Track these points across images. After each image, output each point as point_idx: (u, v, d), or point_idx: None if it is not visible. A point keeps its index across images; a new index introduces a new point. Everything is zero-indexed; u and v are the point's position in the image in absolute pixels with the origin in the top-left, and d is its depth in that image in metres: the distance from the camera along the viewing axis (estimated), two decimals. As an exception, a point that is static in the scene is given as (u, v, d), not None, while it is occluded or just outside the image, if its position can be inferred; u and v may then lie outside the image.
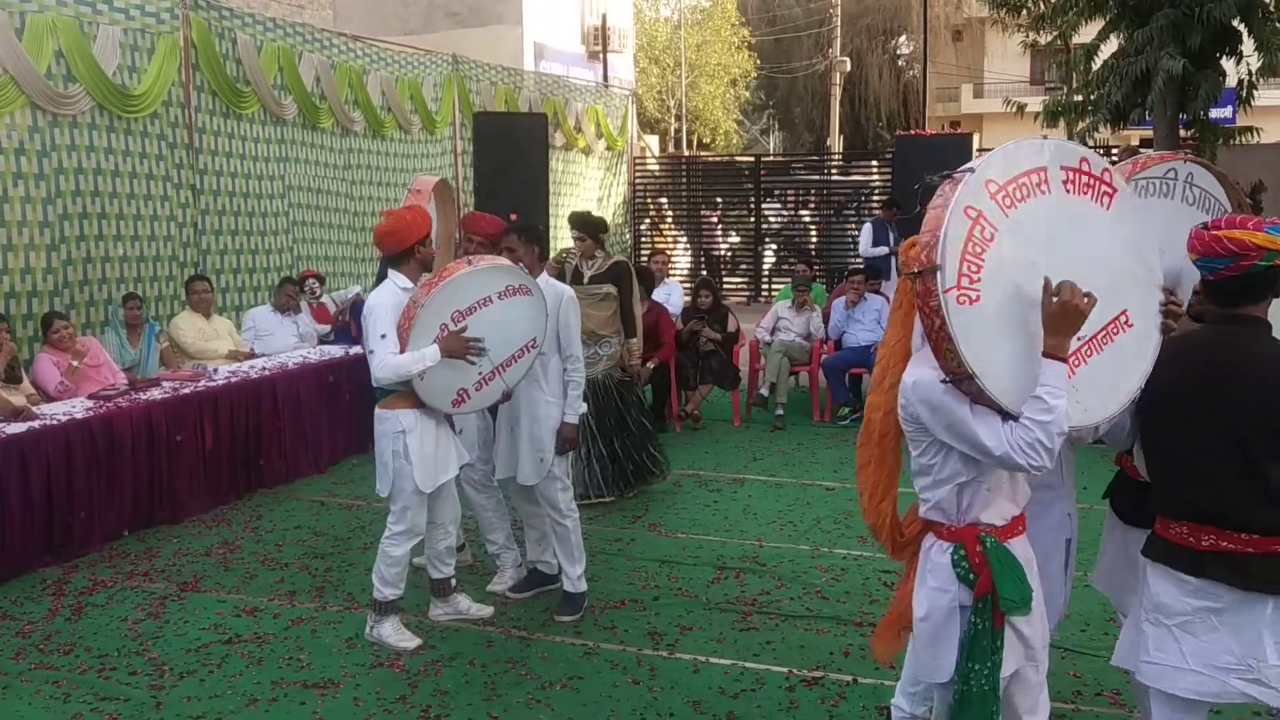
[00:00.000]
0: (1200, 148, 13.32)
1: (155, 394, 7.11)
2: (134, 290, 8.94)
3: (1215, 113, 13.77)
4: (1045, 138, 3.02)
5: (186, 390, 7.28)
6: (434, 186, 6.22)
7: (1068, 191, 2.89)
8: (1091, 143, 13.71)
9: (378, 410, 5.13)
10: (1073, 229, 2.88)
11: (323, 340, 9.59)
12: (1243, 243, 2.86)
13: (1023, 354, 2.80)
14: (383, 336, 4.88)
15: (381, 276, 8.20)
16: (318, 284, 10.30)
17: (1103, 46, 13.90)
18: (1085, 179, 2.93)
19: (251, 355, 8.81)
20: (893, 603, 3.23)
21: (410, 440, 5.01)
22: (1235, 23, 12.56)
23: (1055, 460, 3.35)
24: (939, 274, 2.70)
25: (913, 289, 2.83)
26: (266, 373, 8.04)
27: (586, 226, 7.39)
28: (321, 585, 5.94)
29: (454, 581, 5.48)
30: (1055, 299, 2.75)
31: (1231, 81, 13.24)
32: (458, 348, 4.94)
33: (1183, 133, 13.46)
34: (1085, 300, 2.75)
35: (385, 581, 5.11)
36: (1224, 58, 12.93)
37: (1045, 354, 2.77)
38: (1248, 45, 12.87)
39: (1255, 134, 14.18)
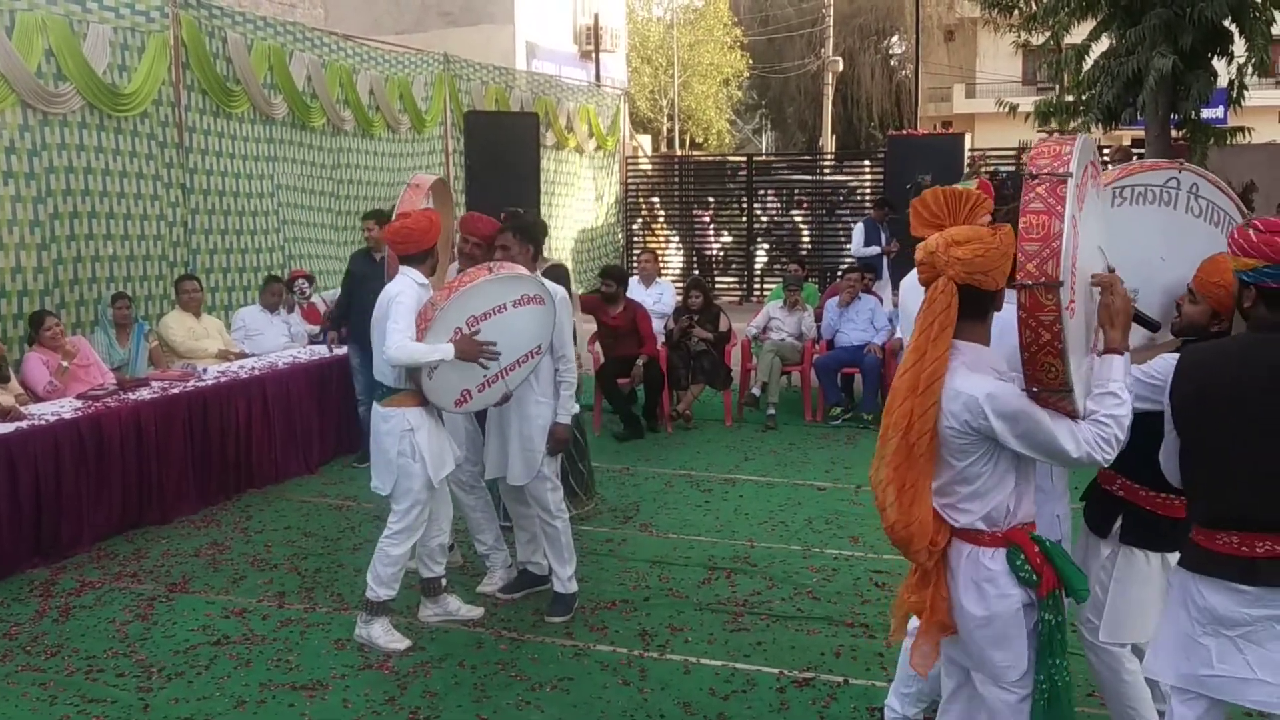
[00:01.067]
0: (1192, 148, 13.35)
1: (144, 394, 7.08)
2: (123, 289, 8.89)
3: (1206, 113, 13.81)
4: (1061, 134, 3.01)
5: (176, 390, 7.25)
6: (432, 185, 6.21)
7: (1093, 188, 2.95)
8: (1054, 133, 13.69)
9: (380, 409, 5.13)
10: (1095, 227, 2.93)
11: (313, 340, 9.55)
12: None
13: (1084, 356, 2.84)
14: (403, 323, 4.90)
15: (353, 273, 8.28)
16: (307, 284, 10.26)
17: (1094, 46, 13.92)
18: (1093, 170, 2.97)
19: (241, 355, 8.77)
20: (923, 611, 3.08)
21: (419, 438, 5.03)
22: (1226, 22, 12.59)
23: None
24: (1060, 290, 2.64)
25: (1018, 300, 2.71)
26: (256, 372, 8.01)
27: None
28: (311, 586, 5.91)
29: (444, 581, 5.46)
30: (1112, 296, 2.81)
31: (1222, 82, 13.26)
32: (472, 351, 4.97)
33: (1174, 133, 13.48)
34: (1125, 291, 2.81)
35: (381, 581, 5.10)
36: (1215, 57, 12.96)
37: (1109, 350, 2.83)
38: (1239, 45, 12.89)
39: (1246, 134, 14.21)
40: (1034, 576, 2.92)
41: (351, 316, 8.10)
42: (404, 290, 5.01)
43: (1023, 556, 2.93)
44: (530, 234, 5.53)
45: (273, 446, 7.93)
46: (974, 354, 2.95)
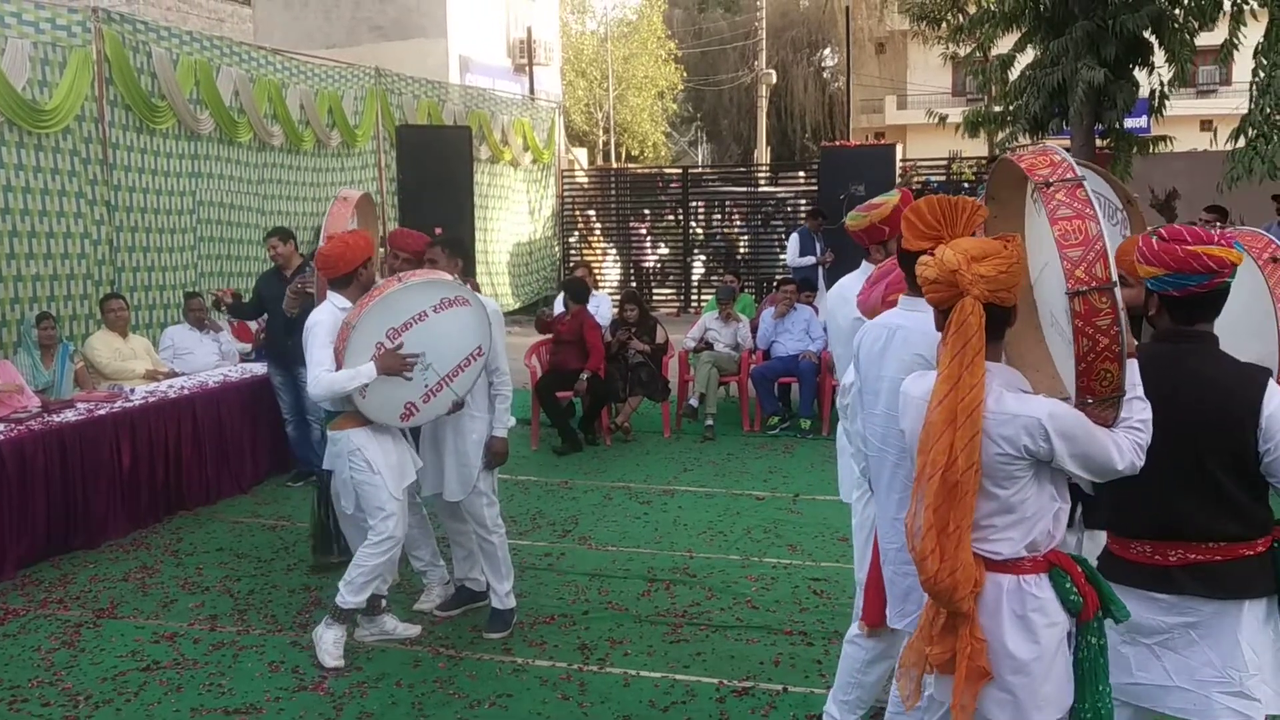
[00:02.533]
0: (1116, 157, 13.67)
1: (69, 416, 6.91)
2: (47, 310, 8.70)
3: (1130, 122, 14.16)
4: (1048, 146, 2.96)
5: (102, 412, 7.09)
6: (357, 201, 6.16)
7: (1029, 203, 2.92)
8: (1011, 152, 13.95)
9: (329, 433, 5.12)
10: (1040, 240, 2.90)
11: (244, 358, 9.41)
12: (1221, 260, 2.81)
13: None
14: (318, 355, 4.91)
15: (262, 295, 8.17)
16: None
17: (1019, 58, 14.20)
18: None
19: (170, 374, 8.61)
20: (959, 658, 2.76)
21: (370, 454, 5.00)
22: (1147, 34, 12.91)
23: None
24: (1116, 290, 2.52)
25: (1071, 309, 2.56)
26: (186, 392, 7.85)
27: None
28: (244, 609, 5.80)
29: (385, 601, 5.40)
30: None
31: (1145, 92, 13.59)
32: (394, 364, 4.94)
33: (1099, 142, 13.79)
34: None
35: (353, 589, 5.02)
36: (1137, 68, 13.28)
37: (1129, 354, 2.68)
38: (1159, 56, 13.23)
39: (1169, 143, 14.56)
40: (1079, 600, 2.75)
41: (267, 336, 8.01)
42: (319, 321, 5.02)
43: (1069, 579, 2.76)
44: (459, 248, 5.54)
45: (204, 467, 7.79)
46: (1005, 375, 2.79)
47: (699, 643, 5.24)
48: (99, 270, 9.53)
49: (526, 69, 25.99)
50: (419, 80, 15.51)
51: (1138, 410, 2.67)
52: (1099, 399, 2.61)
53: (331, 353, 4.93)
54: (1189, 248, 2.82)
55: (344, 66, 13.92)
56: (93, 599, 5.97)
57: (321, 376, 4.87)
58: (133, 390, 7.75)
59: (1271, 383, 2.86)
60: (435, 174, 12.31)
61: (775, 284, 12.19)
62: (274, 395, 8.21)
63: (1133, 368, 2.68)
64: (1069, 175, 2.63)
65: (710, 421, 9.79)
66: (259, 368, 8.65)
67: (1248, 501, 2.88)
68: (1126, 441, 2.67)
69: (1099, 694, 2.75)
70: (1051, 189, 2.63)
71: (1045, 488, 2.75)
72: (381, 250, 7.01)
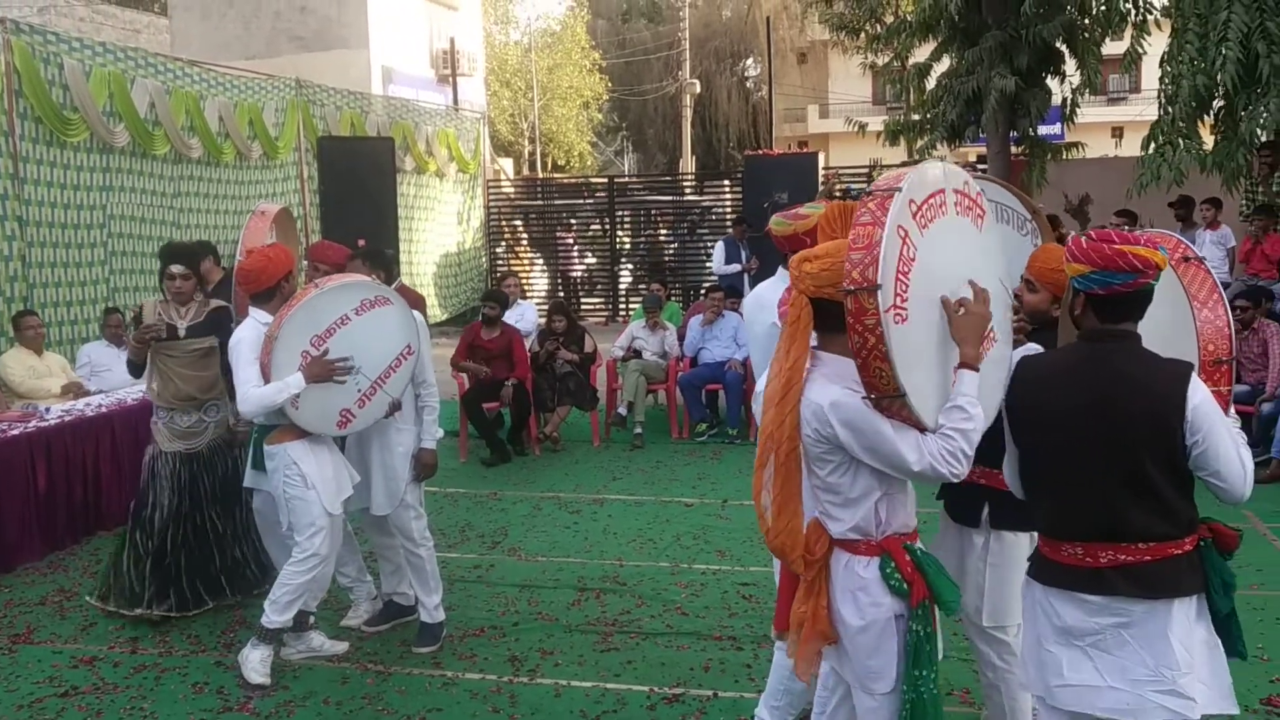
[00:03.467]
0: (1031, 163, 13.97)
1: (-19, 437, 6.73)
2: (-44, 328, 8.46)
3: (1044, 130, 14.48)
4: (944, 159, 3.07)
5: (15, 431, 6.91)
6: (275, 215, 6.10)
7: (958, 213, 2.97)
8: (929, 157, 14.20)
9: (265, 447, 5.05)
10: (962, 249, 2.96)
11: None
12: (1146, 260, 2.87)
13: (938, 370, 2.86)
14: (245, 373, 4.87)
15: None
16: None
17: (935, 67, 14.47)
18: (967, 201, 3.00)
19: (87, 392, 8.41)
20: (804, 620, 3.09)
21: (305, 469, 4.94)
22: (1059, 44, 13.23)
23: None
24: (879, 293, 2.69)
25: (845, 307, 2.78)
26: (104, 410, 7.68)
27: (183, 257, 5.84)
28: (166, 630, 5.68)
29: (312, 619, 5.33)
30: (961, 310, 2.82)
31: (1057, 100, 13.92)
32: (322, 371, 4.89)
33: (1014, 149, 14.08)
34: (987, 311, 2.85)
35: (277, 608, 4.97)
36: (1049, 77, 13.60)
37: (961, 365, 2.84)
38: (1070, 65, 13.57)
39: (1081, 149, 14.92)
40: (904, 586, 2.95)
41: None
42: (242, 338, 4.98)
43: (894, 565, 2.96)
44: (379, 260, 5.52)
45: (123, 486, 7.59)
46: (837, 366, 2.97)
47: (629, 651, 5.25)
48: (11, 287, 9.29)
49: (450, 80, 25.85)
50: (341, 91, 15.35)
51: (955, 419, 2.80)
52: (880, 395, 2.79)
53: (258, 368, 4.87)
54: (1116, 246, 2.89)
55: (264, 78, 13.74)
56: (8, 624, 5.81)
57: (250, 393, 4.83)
58: (48, 409, 7.55)
59: (1194, 376, 2.91)
60: (358, 185, 12.20)
61: (702, 292, 12.25)
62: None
63: (969, 380, 2.81)
64: (895, 187, 2.80)
65: (639, 429, 9.81)
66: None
67: (1176, 500, 2.91)
68: (935, 445, 2.81)
69: (920, 678, 2.94)
70: (869, 197, 2.84)
71: (863, 474, 2.94)
72: (304, 263, 6.92)
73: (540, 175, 33.96)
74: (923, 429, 2.84)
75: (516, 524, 7.46)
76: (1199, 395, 2.87)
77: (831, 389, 2.92)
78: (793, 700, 4.08)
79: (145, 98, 10.94)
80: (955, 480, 2.90)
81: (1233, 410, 3.19)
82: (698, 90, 36.99)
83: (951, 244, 2.93)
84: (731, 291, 10.98)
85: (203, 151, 12.02)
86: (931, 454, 2.82)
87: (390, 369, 5.11)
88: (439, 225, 17.54)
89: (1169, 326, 3.22)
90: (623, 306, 19.13)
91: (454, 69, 26.01)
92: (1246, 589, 5.76)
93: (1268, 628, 5.30)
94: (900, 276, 2.76)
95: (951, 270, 2.91)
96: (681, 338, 10.59)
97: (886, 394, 2.77)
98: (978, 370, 2.86)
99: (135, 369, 5.82)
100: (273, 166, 13.59)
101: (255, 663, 4.98)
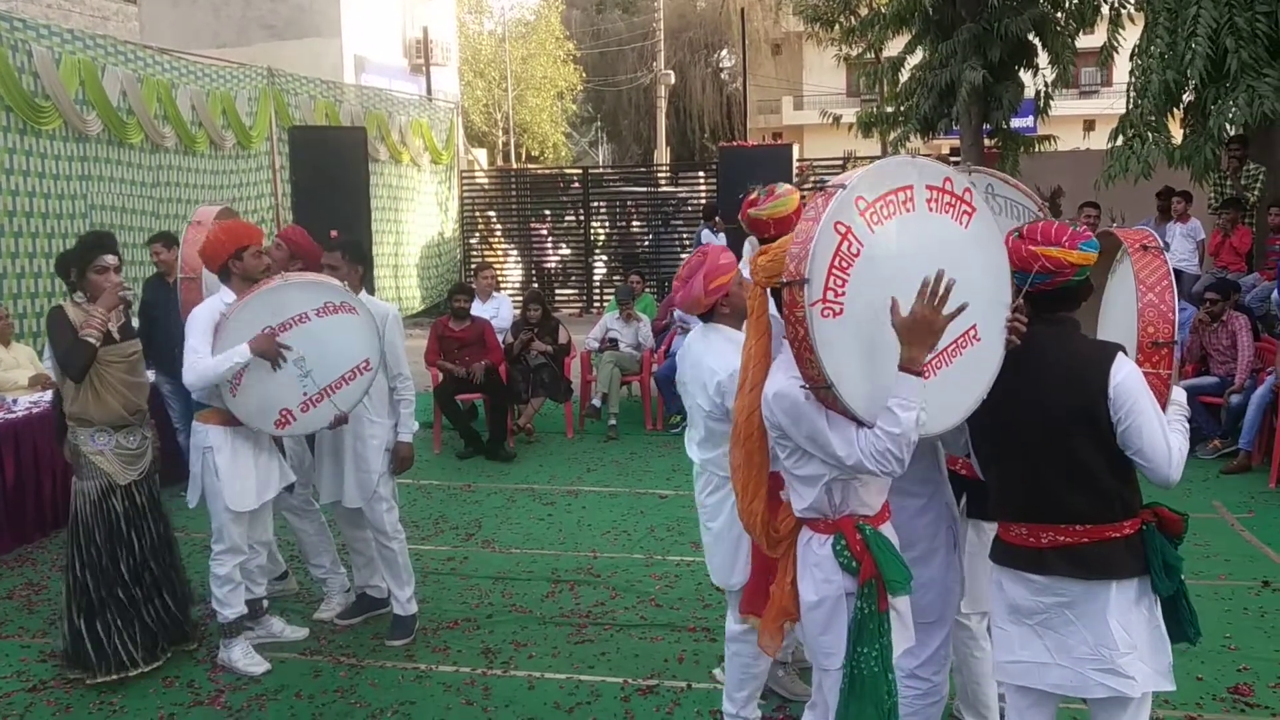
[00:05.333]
0: (1004, 155, 14.05)
1: (-53, 429, 6.66)
2: (-77, 319, 8.34)
3: (1017, 122, 14.57)
4: (915, 155, 3.07)
5: (-17, 424, 6.84)
6: (215, 216, 6.00)
7: (930, 209, 2.94)
8: (903, 152, 14.27)
9: (194, 422, 5.03)
10: (933, 246, 2.92)
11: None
12: (1059, 261, 2.98)
13: (879, 367, 2.85)
14: (195, 342, 4.78)
15: (147, 301, 7.86)
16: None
17: (909, 59, 14.52)
18: (947, 198, 2.97)
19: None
20: (771, 597, 3.28)
21: (219, 459, 4.90)
22: (1031, 37, 13.31)
23: (930, 457, 3.46)
24: (806, 287, 2.74)
25: (781, 298, 2.88)
26: (72, 402, 7.60)
27: (114, 245, 5.13)
28: (136, 623, 5.64)
29: (265, 604, 5.34)
30: (910, 315, 2.80)
31: (1031, 93, 14.00)
32: (268, 347, 4.79)
33: (987, 141, 14.16)
34: (938, 315, 2.80)
35: (220, 603, 4.99)
36: (1022, 70, 13.67)
37: (901, 367, 2.81)
38: (1043, 59, 13.65)
39: (1053, 142, 15.02)
40: (854, 564, 3.02)
41: (153, 345, 7.78)
42: (198, 313, 4.90)
43: (845, 543, 3.04)
44: (360, 254, 5.43)
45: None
46: (790, 355, 3.00)
47: (603, 643, 5.26)
48: (-22, 277, 9.19)
49: (423, 69, 25.71)
50: (314, 80, 15.25)
51: (885, 420, 2.81)
52: (813, 386, 2.86)
53: (209, 342, 4.79)
54: (1030, 248, 3.00)
55: (235, 66, 13.62)
56: (-25, 618, 5.76)
57: (196, 362, 4.75)
58: (15, 401, 7.48)
59: (1120, 355, 2.97)
60: (330, 175, 12.10)
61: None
62: (164, 404, 8.01)
63: (906, 383, 2.80)
64: (839, 182, 2.86)
65: (613, 421, 9.81)
66: (150, 373, 8.41)
67: (1113, 483, 2.97)
68: (867, 444, 2.84)
69: (860, 655, 3.00)
70: (819, 193, 2.91)
71: (812, 459, 3.02)
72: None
73: (514, 166, 33.87)
74: (861, 422, 2.86)
75: (490, 516, 7.45)
76: (1122, 374, 2.93)
77: (778, 378, 3.02)
78: (756, 687, 4.17)
79: (116, 86, 10.84)
80: (891, 477, 2.95)
81: (1179, 394, 3.21)
82: (672, 81, 36.94)
83: (917, 242, 2.90)
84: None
85: (176, 140, 11.92)
86: (862, 450, 2.85)
87: (344, 379, 5.01)
88: (413, 216, 17.47)
89: (1122, 311, 3.34)
90: (597, 298, 19.11)
91: (427, 58, 25.87)
92: (1214, 579, 5.84)
93: (1235, 617, 5.35)
94: (836, 272, 2.78)
95: (917, 267, 2.88)
96: (658, 330, 10.58)
97: (818, 384, 2.83)
98: (918, 374, 2.81)
99: (85, 364, 4.83)
100: (246, 156, 13.49)
101: (239, 657, 4.98)
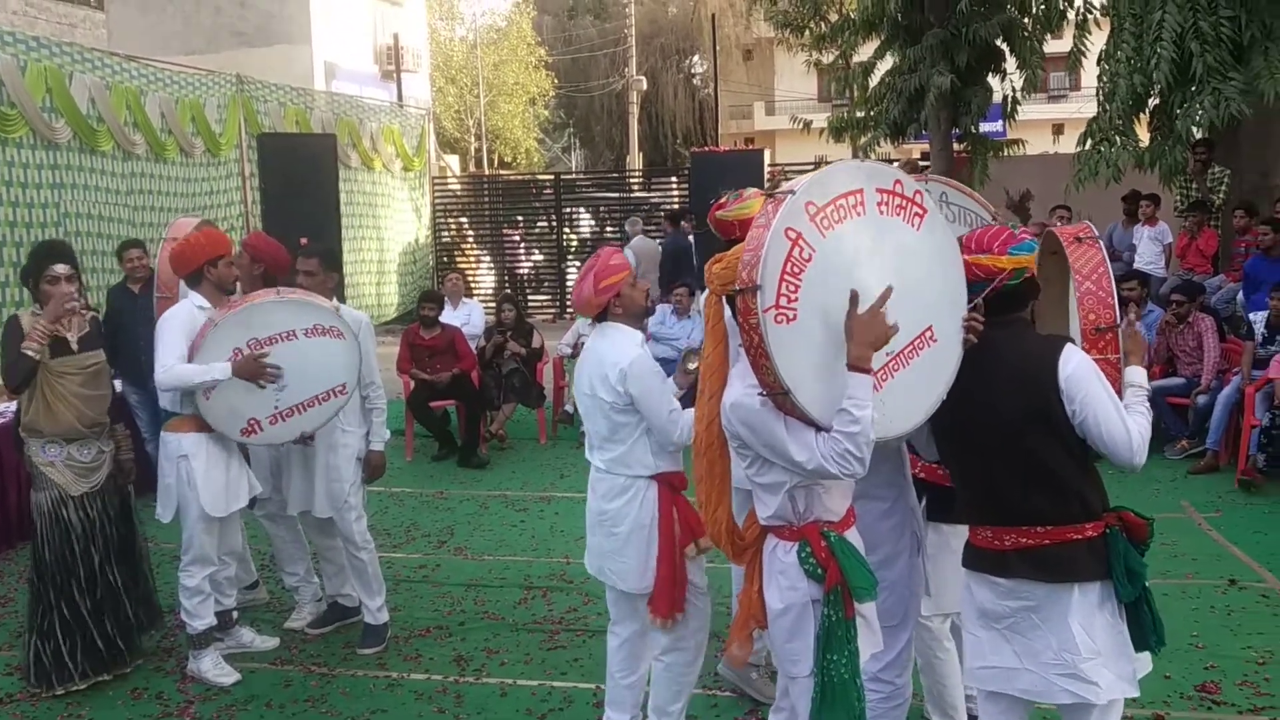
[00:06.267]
0: (973, 160, 14.14)
1: (-89, 440, 6.58)
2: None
3: (986, 127, 14.66)
4: (863, 159, 3.10)
5: (-53, 435, 6.76)
6: (194, 229, 5.95)
7: (881, 212, 2.95)
8: (874, 157, 14.34)
9: (163, 433, 4.98)
10: (885, 249, 2.94)
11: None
12: (989, 268, 3.05)
13: (836, 370, 2.85)
14: (171, 344, 4.74)
15: (113, 309, 7.75)
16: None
17: (879, 65, 14.59)
18: (898, 200, 2.98)
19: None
20: (740, 605, 3.28)
21: (194, 465, 4.86)
22: (999, 42, 13.41)
23: (895, 460, 3.46)
24: (759, 294, 2.75)
25: (735, 306, 2.88)
26: (39, 412, 7.52)
27: (67, 255, 4.99)
28: (104, 635, 5.58)
29: (235, 615, 5.30)
30: (858, 312, 2.82)
31: (999, 98, 14.10)
32: (253, 369, 4.77)
33: (956, 146, 14.24)
34: (885, 316, 2.82)
35: (189, 614, 4.95)
36: (990, 75, 13.77)
37: (850, 366, 2.81)
38: (1011, 63, 13.75)
39: (1022, 146, 15.13)
40: (819, 571, 3.01)
41: (121, 354, 7.71)
42: (172, 315, 4.86)
43: (809, 550, 3.03)
44: (335, 262, 5.41)
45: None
46: (747, 364, 3.00)
47: (575, 648, 5.25)
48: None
49: (394, 75, 25.65)
50: (284, 88, 15.17)
51: (841, 422, 2.82)
52: (770, 393, 2.86)
53: (185, 345, 4.75)
54: (965, 258, 3.07)
55: (204, 74, 13.53)
56: (-60, 632, 5.69)
57: (173, 366, 4.69)
58: (-19, 412, 7.41)
59: (1068, 346, 3.01)
60: (300, 183, 12.04)
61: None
62: (131, 414, 7.94)
63: (858, 383, 2.80)
64: (788, 189, 2.88)
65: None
66: (116, 384, 8.33)
67: (1072, 483, 2.99)
68: (826, 447, 2.84)
69: (832, 662, 2.99)
70: (769, 200, 2.92)
71: (773, 467, 3.01)
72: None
73: (487, 172, 33.82)
74: (819, 427, 2.86)
75: (463, 523, 7.42)
76: (1071, 365, 2.96)
77: (735, 388, 3.02)
78: (689, 698, 4.12)
79: (85, 93, 10.74)
80: (853, 479, 2.95)
81: (1138, 374, 3.22)
82: (644, 87, 37.01)
83: (870, 245, 2.92)
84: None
85: (147, 148, 11.83)
86: (823, 454, 2.84)
87: (317, 399, 5.01)
88: (386, 223, 17.39)
89: (1066, 305, 3.42)
90: (569, 304, 19.09)
91: (398, 65, 25.82)
92: (1182, 578, 5.90)
93: (1202, 616, 5.40)
94: (788, 277, 2.79)
95: (870, 271, 2.90)
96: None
97: (775, 390, 2.83)
98: (868, 372, 2.82)
99: (25, 377, 4.70)
100: (216, 163, 13.40)
101: (209, 668, 4.95)
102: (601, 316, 3.98)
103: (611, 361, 3.86)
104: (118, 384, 8.11)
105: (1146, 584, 3.04)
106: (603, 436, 4.02)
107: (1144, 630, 3.05)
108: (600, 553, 4.09)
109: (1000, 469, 3.03)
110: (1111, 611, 3.01)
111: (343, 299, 6.06)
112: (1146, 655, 3.13)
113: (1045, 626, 3.00)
